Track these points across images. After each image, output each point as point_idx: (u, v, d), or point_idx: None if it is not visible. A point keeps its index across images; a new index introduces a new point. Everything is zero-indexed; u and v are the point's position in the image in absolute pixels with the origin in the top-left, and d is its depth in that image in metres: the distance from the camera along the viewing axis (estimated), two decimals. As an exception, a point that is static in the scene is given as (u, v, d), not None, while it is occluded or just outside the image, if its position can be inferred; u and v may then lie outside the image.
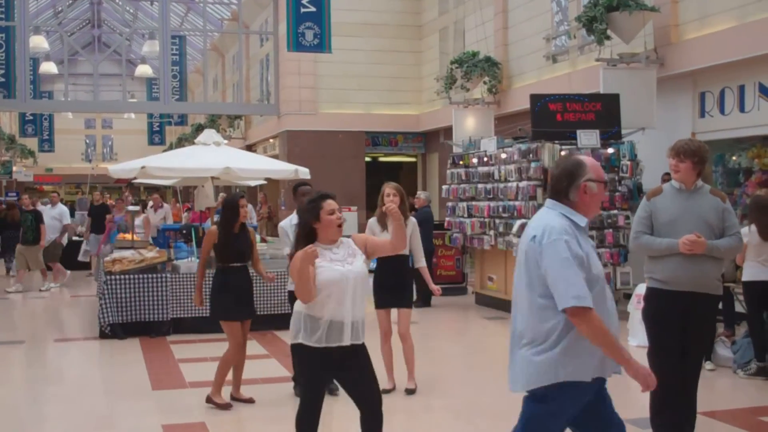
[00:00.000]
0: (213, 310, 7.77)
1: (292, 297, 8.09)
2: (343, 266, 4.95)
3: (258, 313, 11.38)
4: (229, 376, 7.78)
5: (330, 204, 4.99)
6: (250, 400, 7.79)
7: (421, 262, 8.36)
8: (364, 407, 5.13)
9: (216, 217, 12.64)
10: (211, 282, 7.96)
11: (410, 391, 8.05)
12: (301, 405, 5.17)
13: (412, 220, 8.19)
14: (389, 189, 8.00)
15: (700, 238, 5.73)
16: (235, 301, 7.66)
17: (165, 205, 19.75)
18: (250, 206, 20.78)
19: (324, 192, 5.12)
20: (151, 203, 20.08)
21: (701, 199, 5.97)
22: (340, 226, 5.00)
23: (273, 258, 12.40)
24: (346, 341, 4.96)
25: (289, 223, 8.16)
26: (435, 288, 8.24)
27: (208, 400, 7.62)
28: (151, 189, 45.64)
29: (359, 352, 5.09)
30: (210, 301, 7.86)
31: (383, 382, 8.15)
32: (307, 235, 5.04)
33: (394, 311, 8.14)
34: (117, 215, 18.68)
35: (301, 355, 5.05)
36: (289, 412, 7.63)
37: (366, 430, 5.16)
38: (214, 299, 7.74)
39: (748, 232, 8.59)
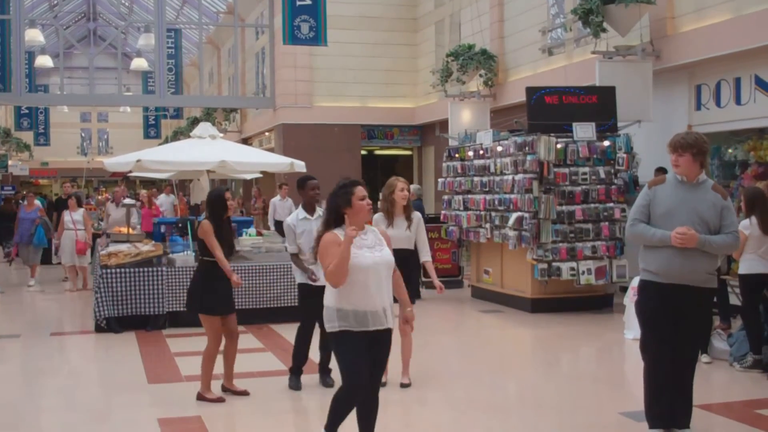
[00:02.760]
0: (194, 303, 7.61)
1: (302, 289, 8.10)
2: (372, 253, 5.17)
3: (254, 306, 11.50)
4: (221, 369, 7.78)
5: (361, 190, 5.21)
6: (245, 393, 7.77)
7: (426, 257, 8.32)
8: (369, 390, 5.32)
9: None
10: (192, 275, 7.87)
11: (405, 386, 8.04)
12: (349, 390, 5.29)
13: (417, 215, 8.16)
14: (402, 183, 8.04)
15: (690, 231, 5.74)
16: (221, 296, 7.60)
17: (127, 199, 18.55)
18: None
19: (354, 179, 5.35)
20: (110, 197, 18.54)
21: (701, 193, 5.96)
22: (369, 210, 5.22)
23: (269, 252, 12.39)
24: (378, 326, 5.18)
25: (295, 218, 8.08)
26: (438, 285, 8.08)
27: (199, 397, 7.57)
28: (147, 183, 45.68)
29: (386, 337, 5.31)
30: (192, 293, 7.69)
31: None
32: (335, 220, 5.24)
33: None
34: (27, 210, 17.05)
35: (340, 341, 5.23)
36: (285, 406, 7.65)
37: (359, 408, 5.37)
38: (198, 292, 7.57)
39: (749, 225, 8.57)
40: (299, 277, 8.13)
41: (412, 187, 14.94)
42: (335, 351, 5.30)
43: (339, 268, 5.03)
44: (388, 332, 5.29)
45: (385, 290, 5.23)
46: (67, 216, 15.92)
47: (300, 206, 8.18)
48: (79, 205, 16.91)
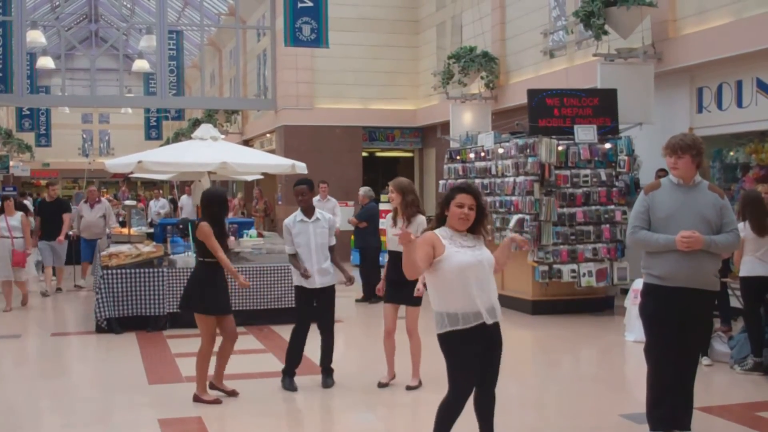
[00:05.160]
0: (191, 303, 7.57)
1: (297, 291, 8.17)
2: (473, 251, 5.27)
3: (255, 308, 11.50)
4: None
5: (462, 198, 5.30)
6: (234, 393, 7.76)
7: None
8: (485, 390, 5.43)
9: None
10: (189, 275, 7.83)
11: (411, 388, 8.00)
12: (455, 396, 5.35)
13: (420, 218, 8.02)
14: (391, 186, 8.02)
15: (695, 233, 5.73)
16: (218, 297, 7.59)
17: (103, 200, 17.03)
18: None
19: (466, 185, 5.46)
20: (85, 198, 16.69)
21: (699, 195, 5.95)
22: (461, 219, 5.27)
23: (270, 253, 12.39)
24: (493, 319, 5.28)
25: (293, 220, 8.11)
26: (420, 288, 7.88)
27: (196, 398, 7.56)
28: (149, 184, 45.67)
29: (498, 331, 5.38)
30: (189, 293, 7.64)
31: (381, 376, 8.16)
32: (440, 218, 5.42)
33: (402, 307, 8.10)
34: None
35: (447, 344, 5.32)
36: (285, 407, 7.65)
37: (477, 407, 5.48)
38: (201, 292, 7.53)
39: (744, 228, 8.58)
40: (296, 279, 8.14)
41: (362, 189, 14.87)
42: (444, 355, 5.37)
43: (404, 262, 5.20)
44: (496, 327, 5.34)
45: (492, 286, 5.32)
46: (1, 221, 13.43)
47: (299, 209, 8.19)
48: (64, 210, 15.35)
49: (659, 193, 6.03)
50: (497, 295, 5.39)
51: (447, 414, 5.33)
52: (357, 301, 13.94)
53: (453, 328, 5.22)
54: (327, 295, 8.15)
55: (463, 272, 5.18)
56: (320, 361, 8.20)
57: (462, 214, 5.27)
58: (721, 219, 5.91)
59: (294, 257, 8.08)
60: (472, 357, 5.26)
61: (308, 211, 8.13)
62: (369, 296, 13.99)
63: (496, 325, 5.34)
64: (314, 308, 8.12)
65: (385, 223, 8.21)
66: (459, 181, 6.15)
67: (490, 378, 5.42)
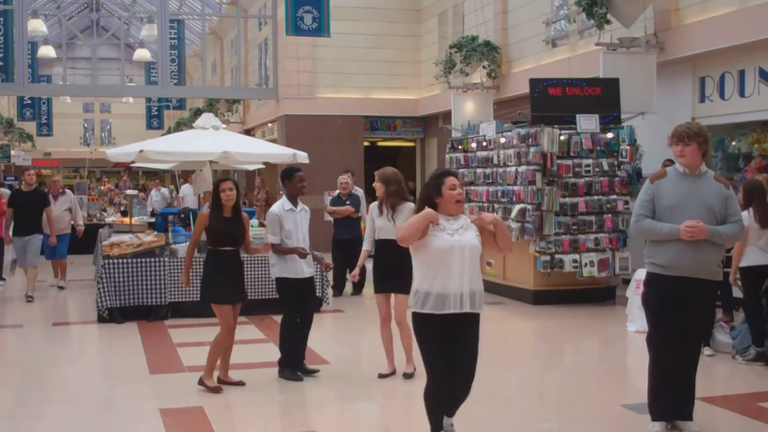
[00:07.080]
0: (204, 293, 7.71)
1: (281, 283, 8.11)
2: (452, 236, 5.26)
3: (255, 297, 11.49)
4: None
5: (451, 180, 5.34)
6: (240, 383, 7.78)
7: None
8: (454, 377, 5.40)
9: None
10: (202, 265, 7.87)
11: (408, 375, 8.01)
12: (429, 379, 5.40)
13: (409, 205, 8.01)
14: (375, 175, 8.05)
15: (699, 223, 5.72)
16: (226, 284, 7.62)
17: (68, 192, 15.48)
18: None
19: (447, 168, 5.56)
20: (47, 189, 15.02)
21: (705, 185, 5.94)
22: (458, 201, 5.33)
23: (271, 242, 12.38)
24: (456, 309, 5.25)
25: (282, 208, 8.06)
26: None
27: (200, 382, 7.64)
28: (150, 173, 45.67)
29: (470, 321, 5.39)
30: (201, 284, 7.77)
31: (382, 367, 8.15)
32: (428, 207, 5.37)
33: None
34: None
35: (418, 325, 5.36)
36: (287, 396, 7.65)
37: (449, 397, 5.45)
38: (206, 282, 7.67)
39: (748, 216, 8.56)
40: (277, 271, 8.07)
41: (346, 177, 14.33)
42: (415, 335, 5.42)
43: (406, 230, 5.22)
44: (468, 317, 5.34)
45: (468, 274, 5.27)
46: None
47: (284, 197, 8.16)
48: (45, 203, 13.75)
49: (665, 181, 6.01)
50: (482, 284, 5.38)
51: (430, 397, 5.38)
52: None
53: (422, 311, 5.26)
54: (311, 285, 8.26)
55: (441, 257, 5.21)
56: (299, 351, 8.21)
57: (458, 195, 5.32)
58: (725, 209, 5.90)
59: (278, 246, 7.98)
60: (438, 341, 5.31)
61: (294, 199, 8.12)
62: (341, 289, 13.76)
63: (474, 315, 5.35)
64: (297, 298, 8.09)
65: (371, 210, 8.15)
66: (439, 169, 6.16)
67: (460, 369, 5.39)
